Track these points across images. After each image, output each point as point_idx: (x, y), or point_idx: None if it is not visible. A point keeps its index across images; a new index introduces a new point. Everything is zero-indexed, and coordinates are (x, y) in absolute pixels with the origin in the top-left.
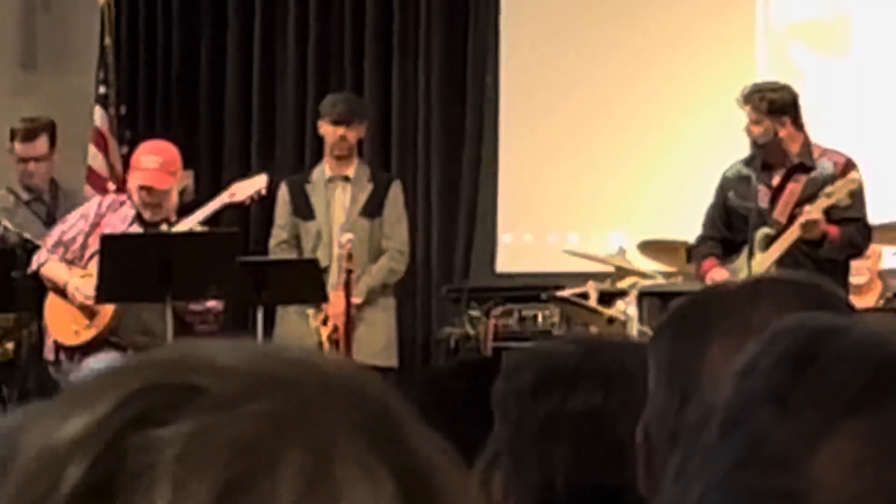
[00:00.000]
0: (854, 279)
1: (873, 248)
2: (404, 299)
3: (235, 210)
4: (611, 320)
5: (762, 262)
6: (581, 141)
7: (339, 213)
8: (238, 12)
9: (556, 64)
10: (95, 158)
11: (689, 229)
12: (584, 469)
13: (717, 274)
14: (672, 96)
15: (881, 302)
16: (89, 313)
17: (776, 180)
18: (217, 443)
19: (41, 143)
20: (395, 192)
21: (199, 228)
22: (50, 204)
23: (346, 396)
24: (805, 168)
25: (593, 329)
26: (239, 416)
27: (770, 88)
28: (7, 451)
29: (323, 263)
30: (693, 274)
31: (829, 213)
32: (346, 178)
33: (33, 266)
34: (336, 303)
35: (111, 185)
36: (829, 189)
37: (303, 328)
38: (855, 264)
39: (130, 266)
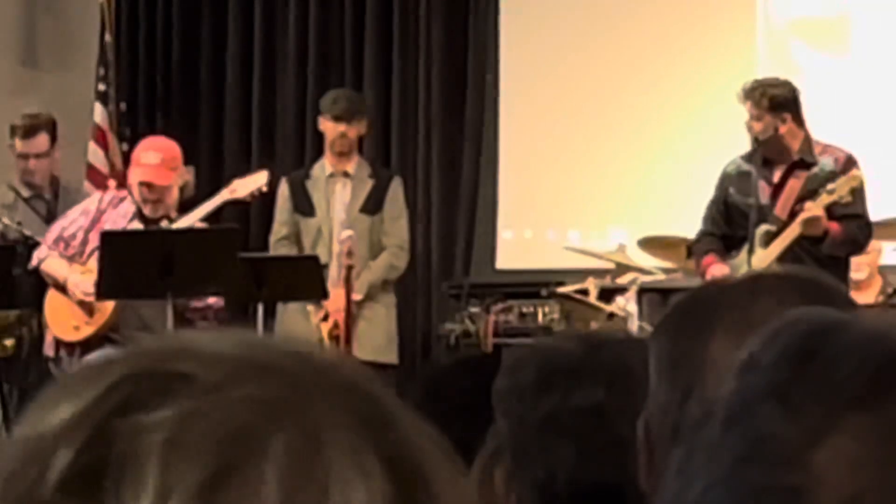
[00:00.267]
0: (854, 275)
1: (873, 243)
2: (404, 296)
3: (236, 206)
4: (611, 316)
5: (763, 258)
6: (581, 137)
7: (339, 210)
8: (238, 9)
9: (556, 61)
10: (96, 155)
11: (689, 225)
12: (586, 465)
13: (718, 270)
14: (673, 93)
15: (881, 298)
16: (88, 310)
17: (777, 176)
18: (205, 427)
19: (42, 140)
20: (396, 188)
21: (199, 225)
22: (50, 201)
23: (334, 383)
24: (806, 164)
25: (593, 325)
26: (227, 402)
27: (771, 84)
28: None
29: (323, 260)
30: (693, 270)
31: (830, 209)
32: (347, 175)
33: (33, 262)
34: (336, 299)
35: (111, 182)
36: (830, 186)
37: (303, 324)
38: (855, 260)
39: (130, 262)
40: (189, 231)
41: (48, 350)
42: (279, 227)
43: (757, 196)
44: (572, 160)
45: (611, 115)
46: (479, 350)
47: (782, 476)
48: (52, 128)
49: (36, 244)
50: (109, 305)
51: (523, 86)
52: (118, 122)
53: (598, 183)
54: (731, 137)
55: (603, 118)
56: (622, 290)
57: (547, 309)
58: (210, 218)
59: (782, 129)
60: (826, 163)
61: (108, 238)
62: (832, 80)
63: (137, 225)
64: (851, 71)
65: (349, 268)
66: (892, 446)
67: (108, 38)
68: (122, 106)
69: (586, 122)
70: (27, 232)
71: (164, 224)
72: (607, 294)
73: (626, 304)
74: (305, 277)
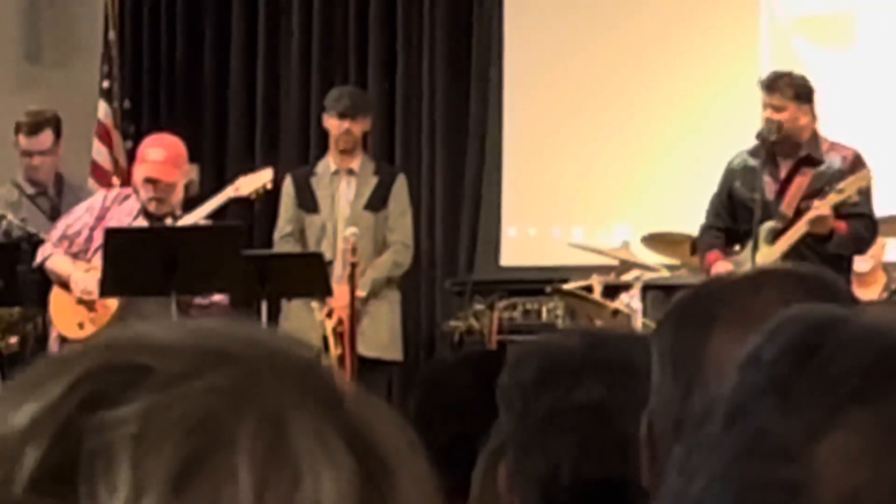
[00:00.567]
0: (858, 266)
1: (878, 238)
2: (409, 293)
3: (240, 204)
4: (615, 313)
5: (768, 255)
6: (585, 134)
7: (343, 207)
8: (242, 6)
9: (560, 57)
10: (99, 153)
11: (694, 222)
12: (589, 461)
13: (722, 267)
14: (676, 89)
15: (885, 294)
16: (91, 307)
17: (783, 172)
18: (171, 419)
19: (46, 137)
20: (400, 185)
21: (203, 222)
22: (54, 198)
23: (288, 367)
24: (812, 161)
25: (597, 322)
26: (190, 393)
27: (795, 75)
28: None
29: (327, 257)
30: (697, 266)
31: (836, 208)
32: (351, 172)
33: (38, 259)
34: (340, 296)
35: (116, 180)
36: (839, 185)
37: (307, 321)
38: None
39: (135, 260)
40: (193, 228)
41: (52, 347)
42: (283, 225)
43: (762, 191)
44: (576, 157)
45: (615, 112)
46: (483, 347)
47: (782, 471)
48: (56, 125)
49: (40, 241)
50: (114, 303)
51: (527, 82)
52: (122, 119)
53: (602, 180)
54: (734, 134)
55: (607, 115)
56: (626, 286)
57: (551, 306)
58: (214, 215)
59: (803, 122)
60: (834, 161)
61: (113, 235)
62: (836, 77)
63: (142, 222)
64: (855, 68)
65: (353, 265)
66: (892, 441)
67: (111, 34)
68: (126, 103)
69: (590, 119)
70: (31, 229)
71: (168, 221)
72: (611, 291)
73: (630, 301)
74: (309, 274)
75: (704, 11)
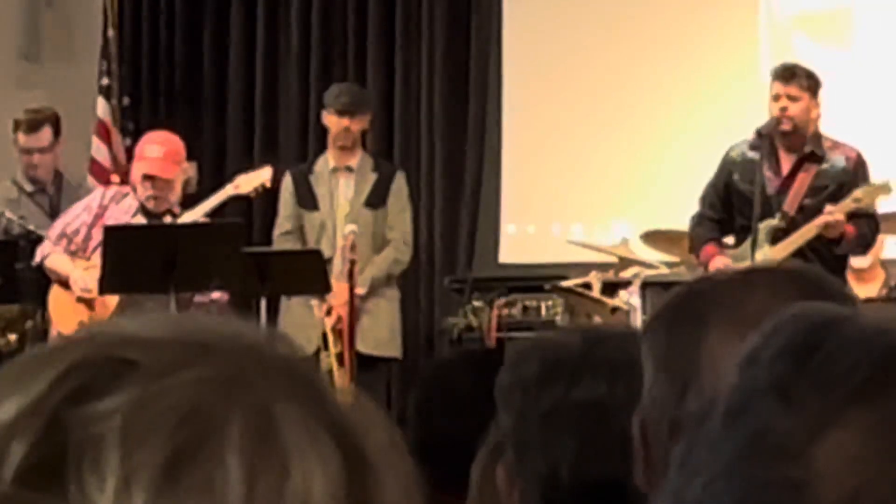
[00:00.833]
0: (856, 262)
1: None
2: (408, 290)
3: (239, 201)
4: (614, 310)
5: (771, 256)
6: (584, 131)
7: (342, 204)
8: (241, 3)
9: (559, 54)
10: (99, 150)
11: None
12: (588, 459)
13: (721, 262)
14: (675, 87)
15: (884, 291)
16: (89, 306)
17: (785, 168)
18: (160, 411)
19: (45, 135)
20: (399, 182)
21: (203, 220)
22: (54, 195)
23: (271, 360)
24: (815, 158)
25: (597, 319)
26: (178, 384)
27: (805, 67)
28: None
29: (326, 254)
30: (696, 263)
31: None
32: (350, 169)
33: (37, 258)
34: (340, 293)
35: (115, 177)
36: (857, 194)
37: (307, 319)
38: None
39: (134, 257)
40: (192, 226)
41: None
42: (283, 222)
43: (763, 186)
44: (575, 154)
45: (614, 110)
46: (482, 344)
47: (783, 470)
48: (55, 122)
49: (39, 239)
50: (113, 300)
51: (526, 80)
52: (121, 116)
53: (601, 177)
54: (734, 131)
55: (606, 112)
56: (625, 284)
57: (550, 303)
58: (213, 213)
59: (813, 114)
60: (837, 160)
61: (112, 233)
62: (834, 75)
63: (140, 220)
64: (854, 65)
65: (352, 262)
66: (893, 440)
67: (110, 31)
68: (126, 100)
69: (589, 117)
70: (30, 226)
71: (167, 219)
72: (610, 288)
73: (629, 298)
74: (309, 272)
75: (704, 9)
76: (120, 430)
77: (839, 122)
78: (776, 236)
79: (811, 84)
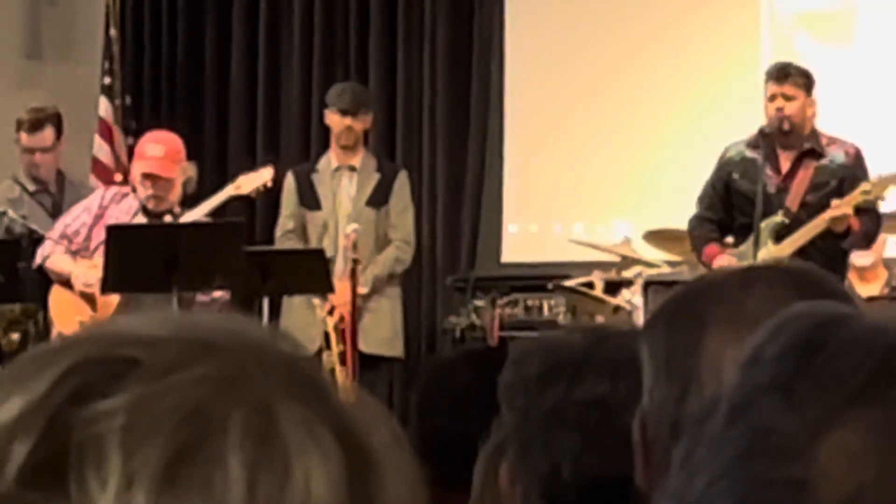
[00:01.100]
0: (859, 261)
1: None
2: (410, 289)
3: (241, 200)
4: (616, 309)
5: (777, 253)
6: (586, 131)
7: (345, 203)
8: (243, 2)
9: (561, 54)
10: (101, 149)
11: None
12: (591, 458)
13: (726, 261)
14: (677, 86)
15: (886, 290)
16: (92, 303)
17: (784, 165)
18: (161, 410)
19: (47, 134)
20: (402, 181)
21: (204, 219)
22: (56, 195)
23: (273, 358)
24: (814, 154)
25: (599, 318)
26: (179, 383)
27: (799, 66)
28: None
29: (329, 253)
30: (697, 262)
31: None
32: (353, 168)
33: (38, 260)
34: (342, 293)
35: (117, 177)
36: (866, 186)
37: (309, 318)
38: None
39: (136, 256)
40: (194, 225)
41: None
42: (285, 221)
43: (764, 184)
44: (577, 153)
45: (616, 108)
46: (484, 344)
47: (786, 469)
48: (57, 121)
49: (41, 238)
50: (114, 300)
51: (528, 79)
52: (123, 115)
53: (603, 176)
54: (736, 130)
55: (608, 111)
56: (628, 283)
57: (552, 302)
58: (215, 213)
59: (809, 112)
60: (836, 155)
61: (114, 232)
62: (837, 73)
63: (141, 220)
64: (856, 63)
65: (355, 261)
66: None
67: (112, 31)
68: (128, 99)
69: (591, 116)
70: (32, 226)
71: (167, 219)
72: (613, 287)
73: (631, 297)
74: (311, 271)
75: (705, 8)
76: (121, 429)
77: (841, 120)
78: (779, 234)
79: (806, 82)
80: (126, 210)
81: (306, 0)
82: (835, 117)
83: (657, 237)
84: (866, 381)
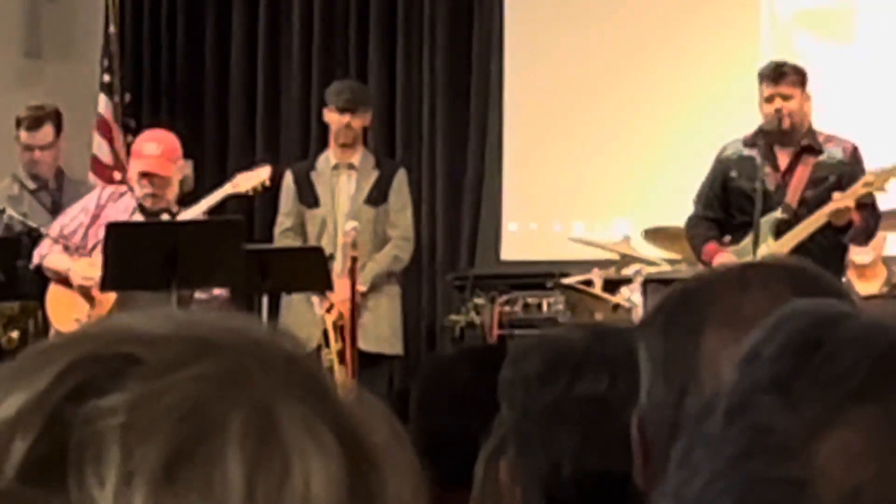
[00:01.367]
0: (858, 258)
1: (879, 232)
2: (409, 287)
3: (240, 198)
4: (615, 307)
5: (777, 249)
6: (586, 129)
7: (343, 201)
8: (242, 0)
9: (561, 52)
10: (100, 147)
11: None
12: (591, 455)
13: (726, 258)
14: (677, 84)
15: (885, 288)
16: (90, 300)
17: (783, 163)
18: (162, 408)
19: (47, 132)
20: (401, 179)
21: (203, 217)
22: (55, 192)
23: (274, 356)
24: (812, 151)
25: (598, 316)
26: (180, 381)
27: (792, 63)
28: None
29: (328, 251)
30: (696, 260)
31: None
32: (351, 166)
33: (35, 260)
34: (341, 290)
35: (117, 174)
36: (869, 177)
37: (308, 316)
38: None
39: (135, 254)
40: (193, 223)
41: None
42: (283, 219)
43: (763, 182)
44: (577, 152)
45: (615, 107)
46: (483, 341)
47: (784, 468)
48: (57, 119)
49: (40, 236)
50: (111, 298)
51: (528, 77)
52: (123, 113)
53: (602, 174)
54: (735, 128)
55: (607, 109)
56: (627, 281)
57: (552, 300)
58: (213, 210)
59: (806, 109)
60: (834, 151)
61: (113, 230)
62: (836, 71)
63: (139, 218)
64: (856, 61)
65: (354, 259)
66: (894, 438)
67: (112, 28)
68: (127, 97)
69: (591, 114)
70: (32, 223)
71: (164, 217)
72: (612, 285)
73: (630, 295)
74: (310, 268)
75: (705, 7)
76: (121, 427)
77: (841, 118)
78: (779, 230)
79: (801, 79)
80: (123, 209)
81: None
82: (834, 115)
83: (656, 235)
84: (865, 380)
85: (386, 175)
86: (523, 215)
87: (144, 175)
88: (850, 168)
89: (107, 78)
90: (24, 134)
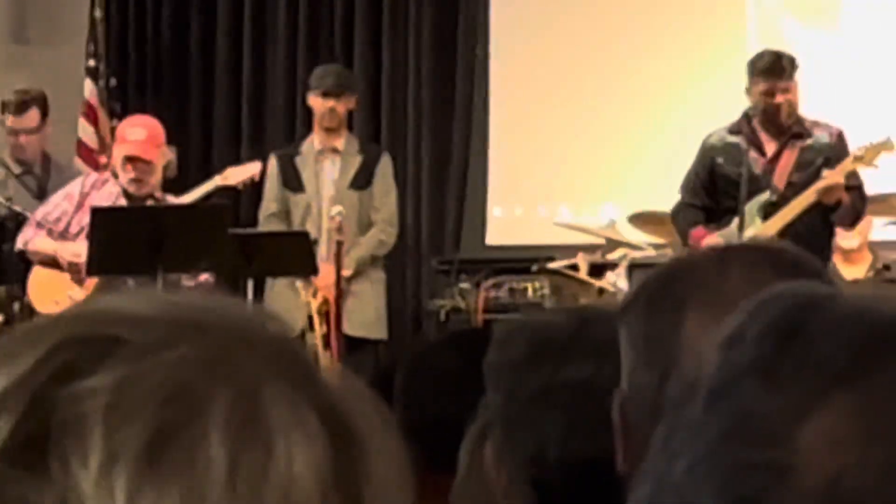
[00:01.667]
0: (845, 242)
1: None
2: (394, 271)
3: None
4: (601, 292)
5: (766, 230)
6: (571, 114)
7: (328, 186)
8: None
9: (546, 37)
10: (85, 131)
11: None
12: (577, 439)
13: (713, 241)
14: (663, 70)
15: (871, 273)
16: (79, 280)
17: (769, 148)
18: (145, 389)
19: (32, 116)
20: (385, 164)
21: (189, 202)
22: (41, 177)
23: (260, 338)
24: (800, 136)
25: (583, 301)
26: (164, 363)
27: (784, 53)
28: None
29: (312, 236)
30: (682, 245)
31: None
32: (336, 151)
33: (19, 245)
34: (326, 275)
35: (102, 159)
36: (858, 152)
37: (292, 300)
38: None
39: (121, 239)
40: (179, 207)
41: None
42: (268, 204)
43: (749, 167)
44: (563, 136)
45: (601, 92)
46: (469, 326)
47: (766, 453)
48: (42, 103)
49: (25, 220)
50: (91, 283)
51: (513, 61)
52: (108, 97)
53: (588, 159)
54: (721, 114)
55: (593, 94)
56: (612, 265)
57: (537, 284)
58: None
59: (796, 97)
60: (822, 136)
61: (99, 214)
62: (823, 58)
63: (123, 204)
64: (842, 49)
65: (339, 244)
66: (877, 423)
67: (97, 13)
68: (113, 81)
69: (577, 99)
70: (17, 208)
71: (149, 203)
72: (597, 270)
73: (616, 280)
74: (295, 253)
75: None
76: (105, 408)
77: (828, 104)
78: (767, 212)
79: (795, 70)
80: (107, 196)
81: None
82: (821, 102)
83: (642, 220)
84: (847, 365)
85: (370, 160)
86: (508, 200)
87: (129, 159)
88: (836, 152)
89: (92, 63)
90: (9, 118)
